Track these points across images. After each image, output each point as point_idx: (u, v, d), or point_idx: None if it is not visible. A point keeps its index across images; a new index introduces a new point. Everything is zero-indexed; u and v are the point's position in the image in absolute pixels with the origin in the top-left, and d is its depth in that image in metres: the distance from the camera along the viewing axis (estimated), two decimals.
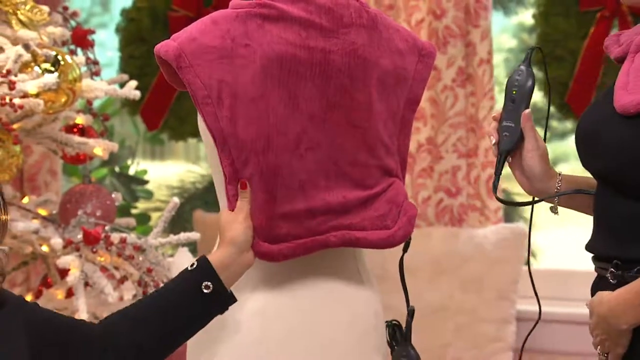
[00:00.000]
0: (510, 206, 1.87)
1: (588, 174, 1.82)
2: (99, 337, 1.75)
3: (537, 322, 1.94)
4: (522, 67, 1.83)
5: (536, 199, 1.85)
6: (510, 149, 1.81)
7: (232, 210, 1.84)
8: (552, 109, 3.53)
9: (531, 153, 1.80)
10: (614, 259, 1.69)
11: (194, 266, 1.79)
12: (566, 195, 1.83)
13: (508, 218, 3.62)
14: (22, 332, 1.67)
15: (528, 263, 1.92)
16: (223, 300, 1.80)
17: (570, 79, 3.34)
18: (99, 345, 1.74)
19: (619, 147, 1.65)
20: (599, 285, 1.75)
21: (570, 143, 4.02)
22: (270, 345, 1.87)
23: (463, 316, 3.32)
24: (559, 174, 1.83)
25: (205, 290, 1.76)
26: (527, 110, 1.81)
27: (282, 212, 1.83)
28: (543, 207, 1.89)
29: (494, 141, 1.82)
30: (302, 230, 1.85)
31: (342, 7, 1.85)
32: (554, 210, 1.85)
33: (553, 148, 4.19)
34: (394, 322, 1.94)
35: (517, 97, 1.81)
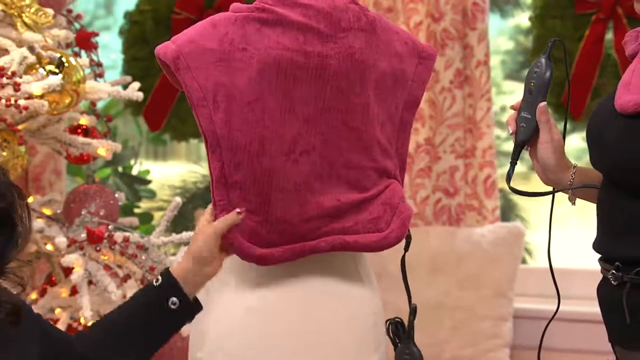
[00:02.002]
0: (523, 196, 1.86)
1: None
2: (84, 350, 1.79)
3: (554, 315, 1.93)
4: (542, 59, 1.84)
5: (547, 190, 1.85)
6: (526, 139, 1.82)
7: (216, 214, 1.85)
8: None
9: (544, 145, 1.81)
10: (616, 260, 1.69)
11: (159, 282, 1.82)
12: (582, 187, 1.82)
13: (505, 217, 3.63)
14: (36, 344, 1.70)
15: (549, 257, 1.92)
16: (190, 311, 1.84)
17: (566, 81, 3.34)
18: (86, 357, 1.79)
19: (617, 146, 1.66)
20: (603, 286, 1.76)
21: (567, 143, 4.03)
22: (267, 344, 1.88)
23: (460, 313, 3.32)
24: (574, 166, 1.83)
25: (172, 306, 1.80)
26: (543, 103, 1.81)
27: (276, 216, 1.84)
28: (541, 206, 1.90)
29: (511, 131, 1.83)
30: (295, 235, 1.85)
31: (341, 11, 1.86)
32: (571, 200, 1.85)
33: None
34: (397, 319, 1.94)
35: (534, 89, 1.81)
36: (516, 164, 1.84)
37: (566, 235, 3.92)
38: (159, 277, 1.83)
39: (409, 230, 1.96)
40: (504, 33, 4.26)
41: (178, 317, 1.83)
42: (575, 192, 1.84)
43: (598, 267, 1.77)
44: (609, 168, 1.70)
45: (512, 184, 1.85)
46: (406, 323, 1.96)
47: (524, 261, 3.74)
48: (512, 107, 1.86)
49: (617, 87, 1.74)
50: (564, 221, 3.93)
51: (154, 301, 1.82)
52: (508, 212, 3.72)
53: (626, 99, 1.66)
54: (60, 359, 1.76)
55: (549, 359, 3.36)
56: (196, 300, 1.85)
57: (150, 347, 1.84)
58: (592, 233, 1.79)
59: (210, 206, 1.88)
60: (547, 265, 1.91)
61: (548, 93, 1.83)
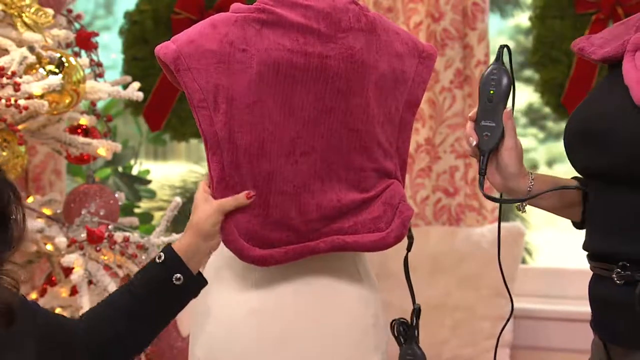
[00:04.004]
0: (499, 203, 1.87)
1: (575, 173, 1.83)
2: (87, 334, 1.79)
3: (509, 317, 1.93)
4: (495, 66, 1.81)
5: (505, 197, 1.86)
6: (493, 147, 1.80)
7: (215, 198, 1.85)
8: (547, 110, 3.55)
9: (509, 152, 1.79)
10: (619, 259, 1.67)
11: (162, 259, 1.82)
12: (542, 196, 1.82)
13: (505, 217, 3.64)
14: (32, 340, 1.70)
15: (497, 261, 1.93)
16: (195, 286, 1.84)
17: (565, 81, 3.34)
18: (88, 342, 1.79)
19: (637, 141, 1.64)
20: (599, 285, 1.75)
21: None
22: (266, 345, 1.88)
23: (460, 313, 3.32)
24: (531, 174, 1.83)
25: (176, 283, 1.81)
26: (508, 109, 1.80)
27: (275, 217, 1.84)
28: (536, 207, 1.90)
29: (474, 143, 1.81)
30: (294, 236, 1.86)
31: (341, 11, 1.86)
32: (521, 207, 1.85)
33: (549, 148, 4.18)
34: (402, 319, 1.94)
35: (494, 97, 1.79)
36: (485, 173, 1.82)
37: (563, 236, 3.93)
38: (162, 254, 1.83)
39: (411, 231, 1.96)
40: (504, 33, 4.28)
41: (183, 293, 1.83)
42: (531, 201, 1.83)
43: None
44: (625, 165, 1.67)
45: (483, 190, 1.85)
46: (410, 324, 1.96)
47: (524, 261, 3.74)
48: (470, 118, 1.84)
49: (601, 87, 1.75)
50: (559, 221, 3.94)
51: (158, 278, 1.82)
52: (508, 212, 3.73)
53: None
54: (67, 343, 1.76)
55: (548, 359, 3.37)
56: (200, 274, 1.85)
57: (157, 325, 1.85)
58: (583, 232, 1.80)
59: (206, 180, 1.87)
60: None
61: (512, 98, 1.83)
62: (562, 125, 4.03)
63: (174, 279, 1.80)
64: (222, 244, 1.92)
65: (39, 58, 2.61)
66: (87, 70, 2.83)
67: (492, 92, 1.80)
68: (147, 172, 4.72)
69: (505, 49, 1.84)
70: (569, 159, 1.82)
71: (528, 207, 1.85)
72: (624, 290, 1.67)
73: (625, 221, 1.69)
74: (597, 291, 1.76)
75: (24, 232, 1.66)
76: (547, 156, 4.12)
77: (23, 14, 2.65)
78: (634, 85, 1.68)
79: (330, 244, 1.88)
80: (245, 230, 1.85)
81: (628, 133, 1.66)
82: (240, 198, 1.84)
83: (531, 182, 1.82)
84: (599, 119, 1.73)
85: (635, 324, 1.66)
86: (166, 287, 1.81)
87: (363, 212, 1.90)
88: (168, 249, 1.83)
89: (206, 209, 1.84)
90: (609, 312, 1.73)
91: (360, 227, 1.89)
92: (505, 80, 1.80)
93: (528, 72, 3.65)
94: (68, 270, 2.78)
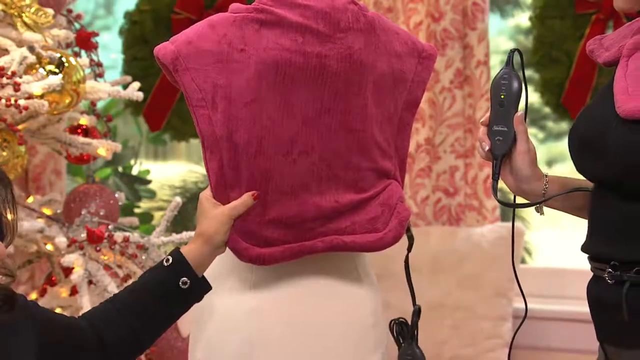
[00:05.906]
0: (513, 208, 1.86)
1: (578, 175, 1.83)
2: (88, 334, 1.78)
3: (524, 319, 1.95)
4: (506, 70, 1.82)
5: (528, 201, 1.84)
6: (505, 152, 1.80)
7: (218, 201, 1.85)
8: (547, 110, 3.55)
9: (522, 155, 1.79)
10: (612, 260, 1.68)
11: (170, 262, 1.81)
12: (555, 197, 1.82)
13: (505, 217, 3.64)
14: (32, 335, 1.69)
15: (519, 260, 1.92)
16: (200, 291, 1.84)
17: (565, 81, 3.34)
18: (90, 341, 1.78)
19: (624, 151, 1.64)
20: (595, 285, 1.75)
21: (566, 144, 4.05)
22: (266, 344, 1.88)
23: (460, 313, 3.33)
24: (546, 176, 1.82)
25: (183, 287, 1.80)
26: (519, 113, 1.80)
27: (272, 216, 1.84)
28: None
29: (487, 148, 1.81)
30: (292, 235, 1.85)
31: (340, 11, 1.85)
32: (539, 210, 1.84)
33: (549, 149, 4.19)
34: (401, 319, 1.94)
35: (506, 101, 1.80)
36: (499, 177, 1.82)
37: (563, 236, 3.94)
38: (169, 257, 1.82)
39: (411, 231, 1.96)
40: (504, 33, 4.27)
41: (188, 296, 1.83)
42: (550, 203, 1.83)
43: None
44: (613, 172, 1.68)
45: (503, 187, 1.84)
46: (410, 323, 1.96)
47: (523, 261, 3.74)
48: (483, 123, 1.84)
49: (602, 93, 1.75)
50: (559, 221, 3.95)
51: (165, 281, 1.81)
52: (508, 211, 3.73)
53: (631, 105, 1.65)
54: (69, 343, 1.75)
55: (547, 359, 3.37)
56: (205, 279, 1.85)
57: (159, 327, 1.84)
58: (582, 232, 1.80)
59: (208, 190, 1.87)
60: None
61: (521, 100, 1.83)
62: (562, 125, 4.05)
63: (180, 283, 1.80)
64: None
65: (39, 58, 2.61)
66: (87, 70, 2.84)
67: (503, 96, 1.81)
68: (147, 172, 4.72)
69: (515, 53, 1.84)
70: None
71: (530, 208, 1.85)
72: (613, 290, 1.68)
73: (616, 225, 1.69)
74: (593, 291, 1.76)
75: (16, 221, 1.65)
76: (547, 156, 4.12)
77: (23, 14, 2.65)
78: (619, 96, 1.69)
79: (328, 243, 1.87)
80: (243, 229, 1.84)
81: (617, 144, 1.67)
82: (248, 200, 1.83)
83: (546, 185, 1.81)
84: (595, 126, 1.73)
85: (623, 322, 1.66)
86: (172, 291, 1.81)
87: (360, 212, 1.90)
88: (176, 252, 1.82)
89: (219, 219, 1.83)
90: (602, 311, 1.74)
91: (357, 228, 1.89)
92: (516, 85, 1.81)
93: (528, 72, 3.65)
94: (68, 270, 2.78)
